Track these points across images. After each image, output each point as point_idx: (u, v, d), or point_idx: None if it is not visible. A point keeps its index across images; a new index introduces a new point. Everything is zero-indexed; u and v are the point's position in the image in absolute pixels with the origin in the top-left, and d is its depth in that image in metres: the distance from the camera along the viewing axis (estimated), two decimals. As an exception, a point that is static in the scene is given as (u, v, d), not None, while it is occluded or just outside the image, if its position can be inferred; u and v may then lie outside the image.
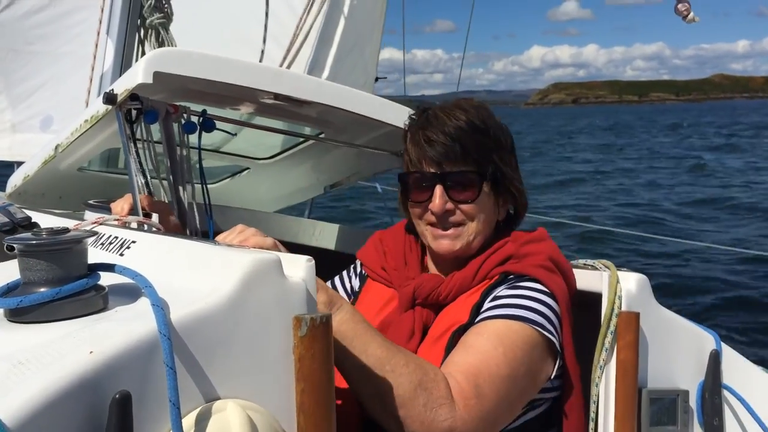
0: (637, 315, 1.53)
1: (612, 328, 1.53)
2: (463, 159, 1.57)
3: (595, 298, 1.59)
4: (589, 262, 1.74)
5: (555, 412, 1.56)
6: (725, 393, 1.71)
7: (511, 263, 1.58)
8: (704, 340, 1.72)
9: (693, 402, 1.66)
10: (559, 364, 1.49)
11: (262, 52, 3.45)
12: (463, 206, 1.59)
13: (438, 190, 1.58)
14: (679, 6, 2.89)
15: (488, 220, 1.63)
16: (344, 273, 1.88)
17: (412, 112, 1.72)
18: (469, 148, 1.57)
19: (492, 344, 1.39)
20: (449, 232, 1.60)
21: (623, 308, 1.54)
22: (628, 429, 1.52)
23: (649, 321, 1.57)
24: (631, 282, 1.58)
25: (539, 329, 1.45)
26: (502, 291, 1.54)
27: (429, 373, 1.28)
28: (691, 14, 2.86)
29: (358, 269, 1.84)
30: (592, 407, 1.54)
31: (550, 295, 1.51)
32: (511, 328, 1.43)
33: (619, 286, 1.56)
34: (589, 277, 1.65)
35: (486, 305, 1.52)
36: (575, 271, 1.70)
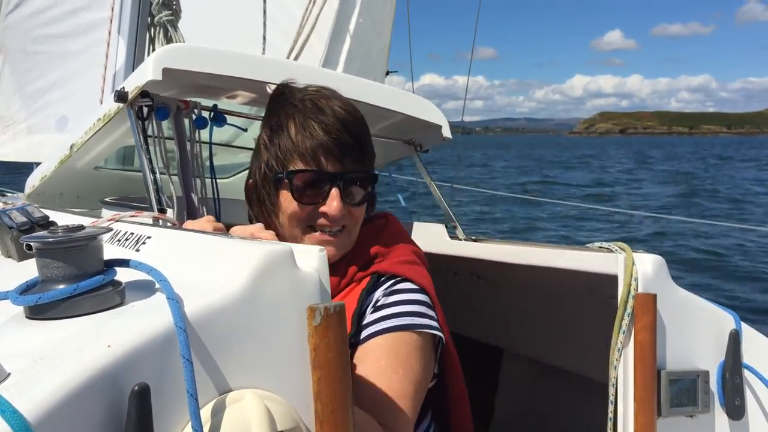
0: (654, 296, 1.52)
1: (629, 310, 1.52)
2: (359, 156, 1.47)
3: (611, 280, 1.58)
4: (605, 244, 1.72)
5: (430, 400, 1.56)
6: (746, 373, 1.69)
7: (377, 263, 1.52)
8: (724, 320, 1.70)
9: (713, 383, 1.65)
10: (440, 349, 1.52)
11: (263, 40, 3.44)
12: (354, 210, 1.49)
13: (336, 191, 1.44)
14: None
15: (360, 223, 1.55)
16: None
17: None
18: (364, 143, 1.48)
19: (391, 368, 1.38)
20: (336, 238, 1.48)
21: (640, 290, 1.53)
22: (647, 411, 1.51)
23: (666, 302, 1.56)
24: (648, 263, 1.57)
25: (425, 330, 1.45)
26: (381, 299, 1.47)
27: (365, 417, 1.27)
28: None
29: None
30: (611, 390, 1.54)
31: (422, 290, 1.50)
32: (402, 340, 1.42)
33: (634, 267, 1.55)
34: (605, 260, 1.64)
35: (370, 316, 1.46)
36: (590, 254, 1.70)
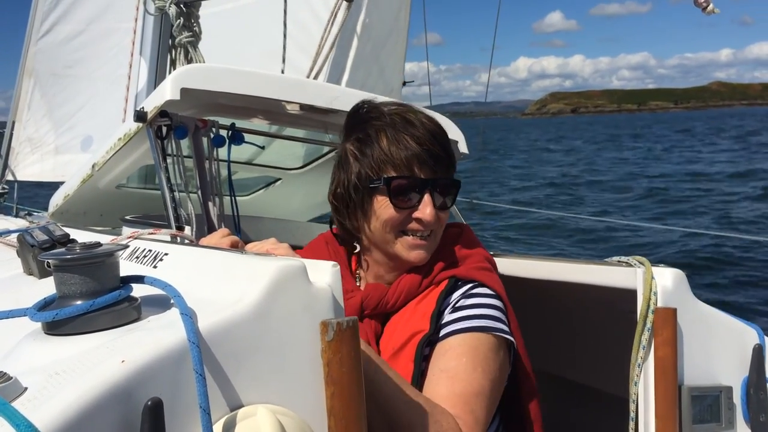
0: (674, 311, 1.50)
1: (648, 324, 1.50)
2: (447, 166, 1.57)
3: (630, 295, 1.56)
4: (624, 258, 1.71)
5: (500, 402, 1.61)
6: None
7: (455, 267, 1.60)
8: (746, 334, 1.67)
9: (737, 399, 1.62)
10: (514, 355, 1.57)
11: (283, 61, 3.49)
12: (442, 214, 1.57)
13: (428, 197, 1.53)
14: None
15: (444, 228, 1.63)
16: None
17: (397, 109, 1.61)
18: (451, 153, 1.58)
19: (471, 366, 1.45)
20: (426, 242, 1.56)
21: (659, 304, 1.51)
22: (669, 427, 1.49)
23: (687, 317, 1.54)
24: (667, 277, 1.55)
25: (500, 334, 1.52)
26: (460, 301, 1.56)
27: (437, 407, 1.35)
28: (711, 5, 2.78)
29: None
30: (632, 406, 1.52)
31: (497, 296, 1.57)
32: (480, 340, 1.49)
33: (654, 282, 1.53)
34: (624, 274, 1.63)
35: (448, 316, 1.53)
36: (608, 268, 1.68)
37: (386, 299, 1.56)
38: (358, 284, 1.67)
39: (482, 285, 1.57)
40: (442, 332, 1.51)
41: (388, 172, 1.52)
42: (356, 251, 1.69)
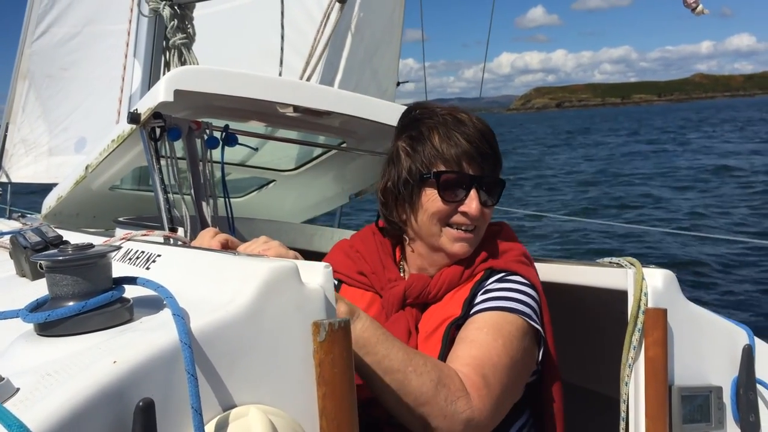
0: (664, 311, 1.51)
1: (639, 325, 1.51)
2: (495, 164, 1.63)
3: (621, 296, 1.57)
4: (615, 259, 1.72)
5: (530, 397, 1.63)
6: (760, 388, 1.67)
7: (492, 260, 1.65)
8: (736, 334, 1.68)
9: (727, 398, 1.63)
10: (543, 350, 1.58)
11: (281, 63, 3.50)
12: (487, 210, 1.63)
13: (475, 192, 1.59)
14: None
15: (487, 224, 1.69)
16: None
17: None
18: (498, 153, 1.65)
19: (492, 337, 1.47)
20: (470, 235, 1.62)
21: (650, 305, 1.52)
22: (660, 427, 1.50)
23: (677, 317, 1.55)
24: (658, 278, 1.56)
25: (528, 320, 1.53)
26: (492, 284, 1.60)
27: (444, 369, 1.36)
28: (700, 6, 2.79)
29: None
30: (622, 406, 1.53)
31: (532, 286, 1.60)
32: (506, 319, 1.51)
33: (644, 282, 1.54)
34: (615, 275, 1.64)
35: (479, 298, 1.58)
36: (600, 269, 1.69)
37: (428, 289, 1.61)
38: (402, 275, 1.72)
39: (518, 274, 1.61)
40: (471, 311, 1.55)
41: (438, 167, 1.59)
42: (400, 243, 1.75)
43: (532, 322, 1.54)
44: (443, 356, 1.48)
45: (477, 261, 1.65)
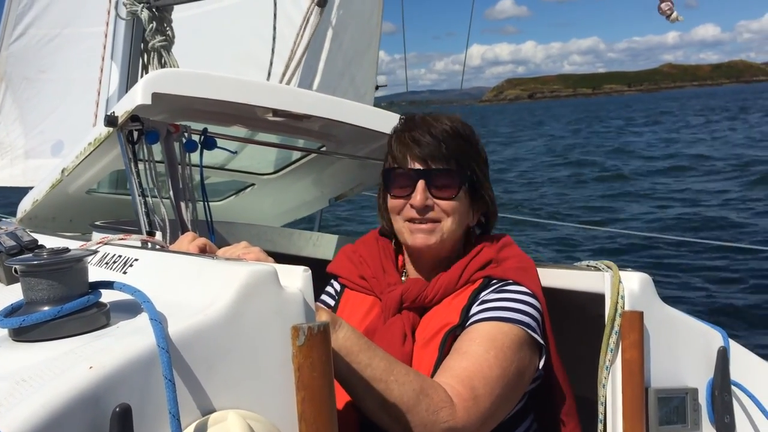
0: (640, 314, 1.53)
1: (616, 328, 1.53)
2: (446, 159, 1.65)
3: (598, 299, 1.59)
4: (592, 263, 1.74)
5: (533, 403, 1.65)
6: (735, 390, 1.69)
7: (491, 268, 1.66)
8: (712, 337, 1.71)
9: (703, 400, 1.65)
10: (545, 358, 1.58)
11: (271, 65, 3.49)
12: (442, 203, 1.65)
13: (420, 185, 1.63)
14: (662, 5, 2.88)
15: (461, 221, 1.69)
16: (324, 296, 1.87)
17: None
18: (453, 150, 1.66)
19: (484, 348, 1.47)
20: (425, 226, 1.65)
21: (626, 308, 1.54)
22: (637, 429, 1.51)
23: (653, 320, 1.57)
24: (634, 281, 1.58)
25: (526, 329, 1.53)
26: (489, 295, 1.61)
27: (428, 380, 1.36)
28: (675, 14, 2.84)
29: (336, 286, 1.85)
30: (600, 408, 1.54)
31: (532, 295, 1.60)
32: (501, 329, 1.51)
33: (621, 285, 1.56)
34: (592, 279, 1.65)
35: (475, 309, 1.58)
36: (577, 272, 1.71)
37: (425, 294, 1.63)
38: (403, 279, 1.74)
39: (515, 283, 1.61)
40: (468, 322, 1.56)
41: (390, 166, 1.70)
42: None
43: (530, 331, 1.53)
44: (439, 362, 1.49)
45: (474, 268, 1.66)
